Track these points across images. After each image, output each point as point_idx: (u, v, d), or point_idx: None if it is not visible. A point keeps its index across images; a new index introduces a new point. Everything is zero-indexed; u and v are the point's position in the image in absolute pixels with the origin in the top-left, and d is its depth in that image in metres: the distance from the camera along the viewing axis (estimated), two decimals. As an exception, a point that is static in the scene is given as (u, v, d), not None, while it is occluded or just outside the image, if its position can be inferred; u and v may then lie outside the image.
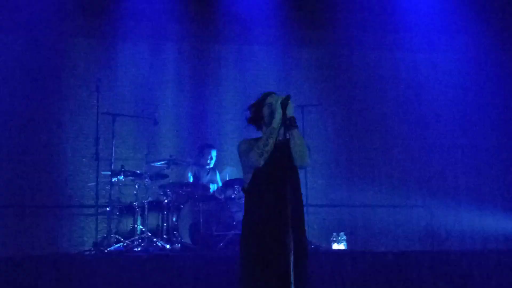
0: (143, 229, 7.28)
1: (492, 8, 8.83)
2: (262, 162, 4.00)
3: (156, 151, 8.70)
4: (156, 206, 7.56)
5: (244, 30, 9.11)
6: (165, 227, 7.33)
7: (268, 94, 4.25)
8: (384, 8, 8.98)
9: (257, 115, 4.21)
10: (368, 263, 6.41)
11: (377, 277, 6.35)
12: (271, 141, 4.02)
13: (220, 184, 8.10)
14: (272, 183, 4.01)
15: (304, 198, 4.22)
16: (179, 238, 7.23)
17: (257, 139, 4.13)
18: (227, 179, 8.09)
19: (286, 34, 9.08)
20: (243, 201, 7.31)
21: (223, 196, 7.80)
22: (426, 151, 9.15)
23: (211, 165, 8.19)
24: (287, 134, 4.05)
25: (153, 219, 7.51)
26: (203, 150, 8.18)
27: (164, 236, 7.27)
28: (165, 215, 7.41)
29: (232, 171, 8.32)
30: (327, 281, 6.10)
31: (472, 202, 8.87)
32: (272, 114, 4.09)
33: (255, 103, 4.26)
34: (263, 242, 3.96)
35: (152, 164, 7.80)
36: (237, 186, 7.65)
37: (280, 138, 4.09)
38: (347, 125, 9.42)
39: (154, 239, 7.18)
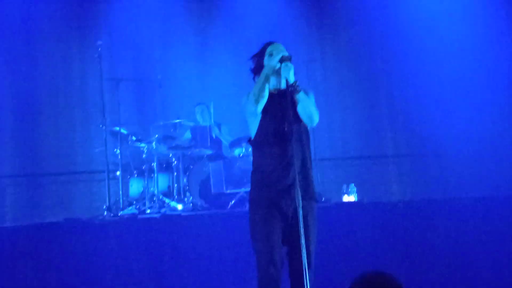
0: (154, 192, 7.32)
1: None
2: (259, 108, 3.97)
3: (162, 114, 8.69)
4: (165, 168, 7.59)
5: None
6: (176, 188, 7.38)
7: (270, 43, 4.19)
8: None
9: (258, 64, 4.15)
10: (379, 213, 6.45)
11: (389, 227, 6.39)
12: (265, 85, 3.97)
13: (227, 140, 8.08)
14: (278, 135, 3.99)
15: (312, 153, 4.21)
16: (191, 198, 7.28)
17: None
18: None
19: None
20: (251, 159, 7.44)
21: (231, 154, 7.81)
22: (433, 99, 9.07)
23: (202, 123, 8.16)
24: (286, 84, 4.00)
25: (164, 181, 7.56)
26: (194, 109, 8.22)
27: (176, 197, 7.32)
28: (175, 176, 7.44)
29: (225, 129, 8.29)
30: (339, 233, 6.15)
31: (483, 150, 8.84)
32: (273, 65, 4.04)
33: (257, 53, 4.20)
34: (271, 194, 3.95)
35: (159, 126, 7.80)
36: (245, 144, 7.66)
37: (279, 87, 4.07)
38: (351, 79, 9.37)
39: (166, 201, 7.23)
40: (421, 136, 8.84)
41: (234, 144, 7.81)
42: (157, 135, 7.52)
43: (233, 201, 7.24)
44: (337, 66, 9.41)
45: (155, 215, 6.58)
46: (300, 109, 4.02)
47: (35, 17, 8.81)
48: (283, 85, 4.02)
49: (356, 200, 7.50)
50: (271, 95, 4.04)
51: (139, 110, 8.94)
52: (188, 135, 8.14)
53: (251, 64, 4.21)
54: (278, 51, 4.07)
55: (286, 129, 3.96)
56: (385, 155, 8.92)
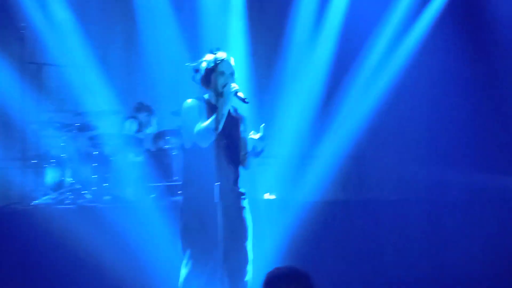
0: (72, 181, 7.14)
1: None
2: (208, 143, 3.92)
3: (86, 101, 8.46)
4: (85, 158, 7.42)
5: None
6: (95, 179, 7.22)
7: (220, 58, 4.09)
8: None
9: (206, 77, 4.08)
10: (298, 211, 6.54)
11: (309, 225, 6.49)
12: (221, 125, 3.91)
13: (152, 132, 7.98)
14: (219, 148, 3.97)
15: None
16: (110, 190, 7.15)
17: (203, 98, 4.07)
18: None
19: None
20: (174, 152, 7.38)
21: (154, 146, 7.72)
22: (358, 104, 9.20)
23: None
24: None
25: (83, 171, 7.37)
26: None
27: (94, 188, 7.16)
28: (94, 167, 7.28)
29: None
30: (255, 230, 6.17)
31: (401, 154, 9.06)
32: (222, 85, 3.99)
33: (205, 66, 4.09)
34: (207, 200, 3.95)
35: (82, 115, 7.60)
36: (169, 137, 7.59)
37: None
38: (284, 79, 9.39)
39: (83, 191, 7.07)
40: (342, 139, 8.95)
41: (159, 136, 7.73)
42: (78, 124, 7.33)
43: (153, 194, 7.16)
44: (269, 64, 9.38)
45: (71, 206, 6.43)
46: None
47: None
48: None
49: (276, 198, 7.56)
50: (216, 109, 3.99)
51: (61, 97, 8.66)
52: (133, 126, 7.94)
53: (194, 68, 4.14)
54: (229, 71, 4.05)
55: (226, 143, 4.00)
56: (307, 155, 9.00)
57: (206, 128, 3.87)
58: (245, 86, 8.63)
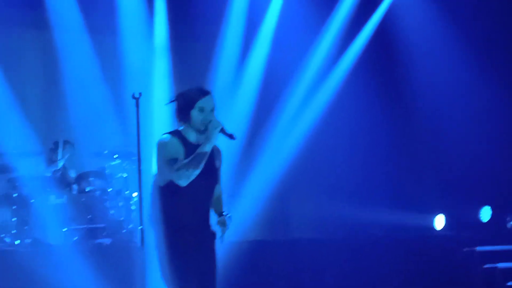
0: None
1: None
2: (186, 183, 3.73)
3: (4, 142, 8.23)
4: (4, 200, 7.19)
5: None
6: (14, 222, 7.00)
7: (200, 93, 3.86)
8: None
9: (183, 112, 3.83)
10: (222, 251, 6.53)
11: (234, 264, 6.50)
12: (202, 165, 3.73)
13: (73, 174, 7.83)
14: (196, 187, 3.80)
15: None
16: (30, 233, 6.95)
17: (179, 134, 3.84)
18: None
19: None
20: (98, 193, 7.28)
21: (77, 188, 7.58)
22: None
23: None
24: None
25: (1, 214, 7.14)
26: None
27: (13, 231, 6.94)
28: (14, 210, 7.07)
29: None
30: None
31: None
32: (203, 121, 3.79)
33: (186, 99, 3.84)
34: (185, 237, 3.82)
35: (0, 156, 7.39)
36: (93, 179, 7.49)
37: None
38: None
39: (2, 235, 6.84)
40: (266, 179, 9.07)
41: (82, 178, 7.61)
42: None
43: (76, 237, 7.02)
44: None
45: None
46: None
47: None
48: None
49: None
50: (195, 146, 3.81)
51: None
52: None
53: (174, 103, 3.89)
54: (210, 107, 3.81)
55: (204, 184, 3.85)
56: (232, 194, 9.06)
57: (187, 167, 3.67)
58: (169, 126, 8.69)
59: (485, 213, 8.81)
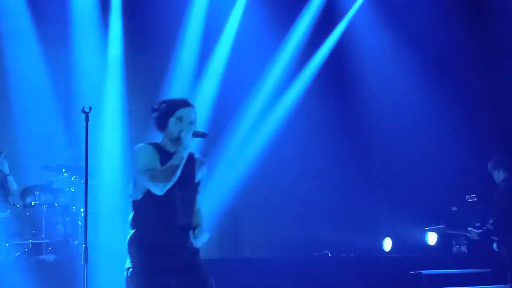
0: None
1: None
2: (164, 190, 3.61)
3: None
4: None
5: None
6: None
7: (181, 102, 3.81)
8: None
9: (161, 121, 3.77)
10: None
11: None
12: (180, 171, 3.63)
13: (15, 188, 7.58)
14: (172, 199, 3.70)
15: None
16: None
17: (157, 145, 3.76)
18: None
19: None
20: (44, 208, 7.08)
21: (21, 203, 7.36)
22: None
23: None
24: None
25: None
26: None
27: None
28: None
29: None
30: None
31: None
32: (179, 131, 3.70)
33: (165, 107, 3.78)
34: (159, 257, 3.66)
35: None
36: (38, 193, 7.29)
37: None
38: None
39: None
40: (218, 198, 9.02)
41: (27, 192, 7.39)
42: None
43: (18, 253, 6.81)
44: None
45: None
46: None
47: None
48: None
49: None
50: (171, 155, 3.71)
51: None
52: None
53: (153, 112, 3.81)
54: (189, 119, 3.74)
55: (183, 196, 3.74)
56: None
57: (163, 174, 3.58)
58: (122, 143, 8.57)
59: (387, 244, 8.94)
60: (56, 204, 7.32)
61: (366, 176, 9.52)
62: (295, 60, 9.52)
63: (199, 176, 3.86)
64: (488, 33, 8.88)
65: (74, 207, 7.43)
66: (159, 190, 3.60)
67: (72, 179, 7.54)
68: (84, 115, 5.34)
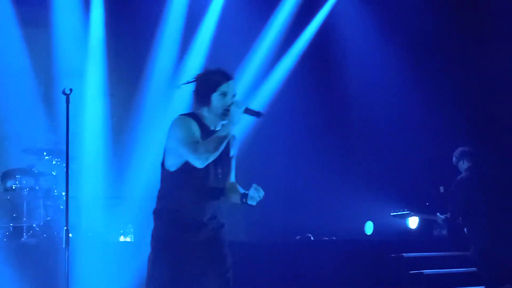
0: None
1: None
2: (204, 164, 3.58)
3: None
4: None
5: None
6: None
7: (223, 77, 3.72)
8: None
9: (204, 98, 3.69)
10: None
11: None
12: (222, 147, 3.59)
13: None
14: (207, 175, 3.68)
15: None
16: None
17: (195, 117, 3.69)
18: None
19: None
20: (25, 192, 7.03)
21: (2, 186, 7.31)
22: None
23: None
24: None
25: None
26: None
27: None
28: None
29: None
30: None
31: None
32: (223, 106, 3.64)
33: (207, 81, 3.70)
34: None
35: None
36: (19, 176, 7.23)
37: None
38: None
39: None
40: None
41: (7, 175, 7.33)
42: None
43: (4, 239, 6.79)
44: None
45: None
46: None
47: None
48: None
49: (132, 240, 7.42)
50: (211, 132, 3.69)
51: None
52: None
53: (193, 85, 3.76)
54: (232, 92, 3.69)
55: (218, 171, 3.73)
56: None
57: (206, 147, 3.52)
58: (103, 126, 8.52)
59: (369, 227, 9.02)
60: (37, 188, 7.27)
61: (348, 160, 9.56)
62: (277, 47, 9.49)
63: (232, 151, 3.85)
64: (473, 19, 8.93)
65: (55, 191, 7.38)
66: (200, 163, 3.55)
67: (54, 163, 7.49)
68: (65, 97, 5.32)
